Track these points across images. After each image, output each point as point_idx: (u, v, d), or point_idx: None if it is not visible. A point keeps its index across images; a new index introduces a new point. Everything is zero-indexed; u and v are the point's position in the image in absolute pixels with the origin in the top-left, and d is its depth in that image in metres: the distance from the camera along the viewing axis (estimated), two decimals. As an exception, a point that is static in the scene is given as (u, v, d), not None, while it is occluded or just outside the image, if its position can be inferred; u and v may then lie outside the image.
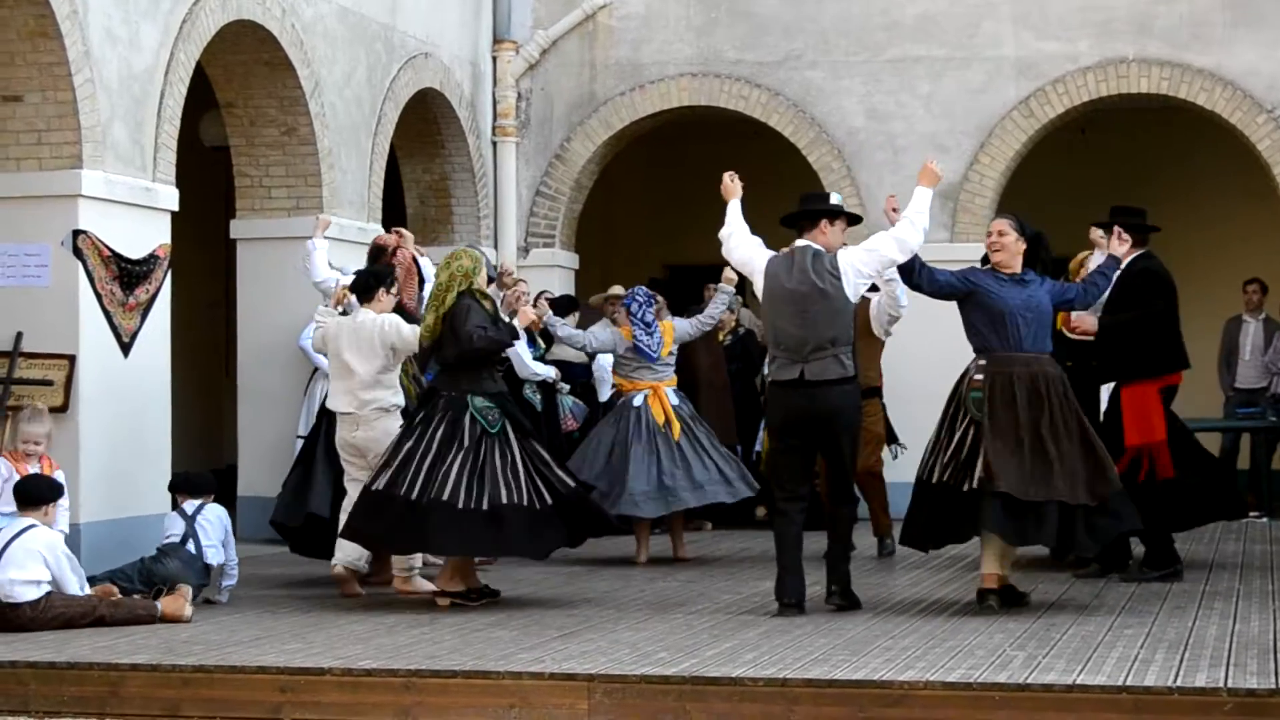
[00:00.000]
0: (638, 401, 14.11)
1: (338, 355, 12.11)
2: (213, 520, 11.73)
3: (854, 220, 11.50)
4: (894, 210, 11.27)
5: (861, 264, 11.01)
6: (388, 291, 12.20)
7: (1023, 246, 11.27)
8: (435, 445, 11.38)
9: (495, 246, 18.86)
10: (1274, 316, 18.77)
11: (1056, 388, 10.99)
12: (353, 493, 12.06)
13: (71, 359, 12.78)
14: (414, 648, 9.76)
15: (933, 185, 11.21)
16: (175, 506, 12.00)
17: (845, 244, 11.30)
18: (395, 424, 12.01)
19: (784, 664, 9.04)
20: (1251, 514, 17.82)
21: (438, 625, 10.65)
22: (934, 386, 12.33)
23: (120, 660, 9.47)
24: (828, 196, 11.59)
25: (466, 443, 11.39)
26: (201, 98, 15.48)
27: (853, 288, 10.97)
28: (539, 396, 15.66)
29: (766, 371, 16.23)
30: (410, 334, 11.92)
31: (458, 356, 11.54)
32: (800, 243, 11.13)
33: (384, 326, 12.00)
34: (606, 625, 10.56)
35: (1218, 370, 18.97)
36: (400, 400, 12.21)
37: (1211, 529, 16.35)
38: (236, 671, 9.26)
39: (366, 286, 12.19)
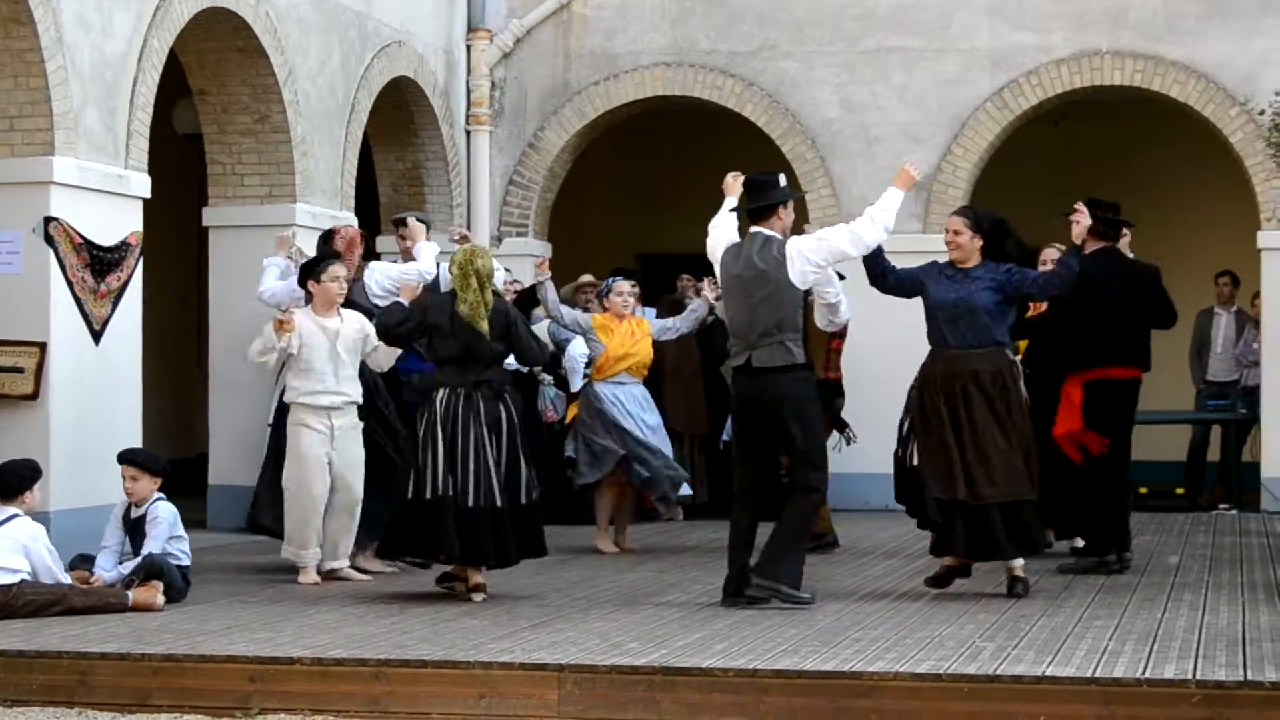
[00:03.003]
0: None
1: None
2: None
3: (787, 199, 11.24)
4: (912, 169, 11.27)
5: (810, 252, 10.88)
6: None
7: (979, 243, 11.41)
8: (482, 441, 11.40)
9: (468, 235, 18.84)
10: (1245, 309, 18.82)
11: (983, 384, 11.14)
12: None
13: (42, 346, 12.75)
14: (384, 637, 9.75)
15: (906, 188, 11.10)
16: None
17: (803, 229, 11.26)
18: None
19: (754, 654, 9.05)
20: (1221, 506, 17.90)
21: (407, 615, 10.64)
22: (892, 374, 12.51)
23: (90, 649, 9.44)
24: (775, 177, 11.26)
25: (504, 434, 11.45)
26: (174, 85, 15.45)
27: (799, 274, 10.85)
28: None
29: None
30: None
31: (500, 359, 11.61)
32: (753, 229, 11.08)
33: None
34: (577, 615, 10.55)
35: (1189, 362, 19.02)
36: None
37: (1181, 521, 16.42)
38: (206, 661, 9.23)
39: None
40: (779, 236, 10.98)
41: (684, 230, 22.14)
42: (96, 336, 13.27)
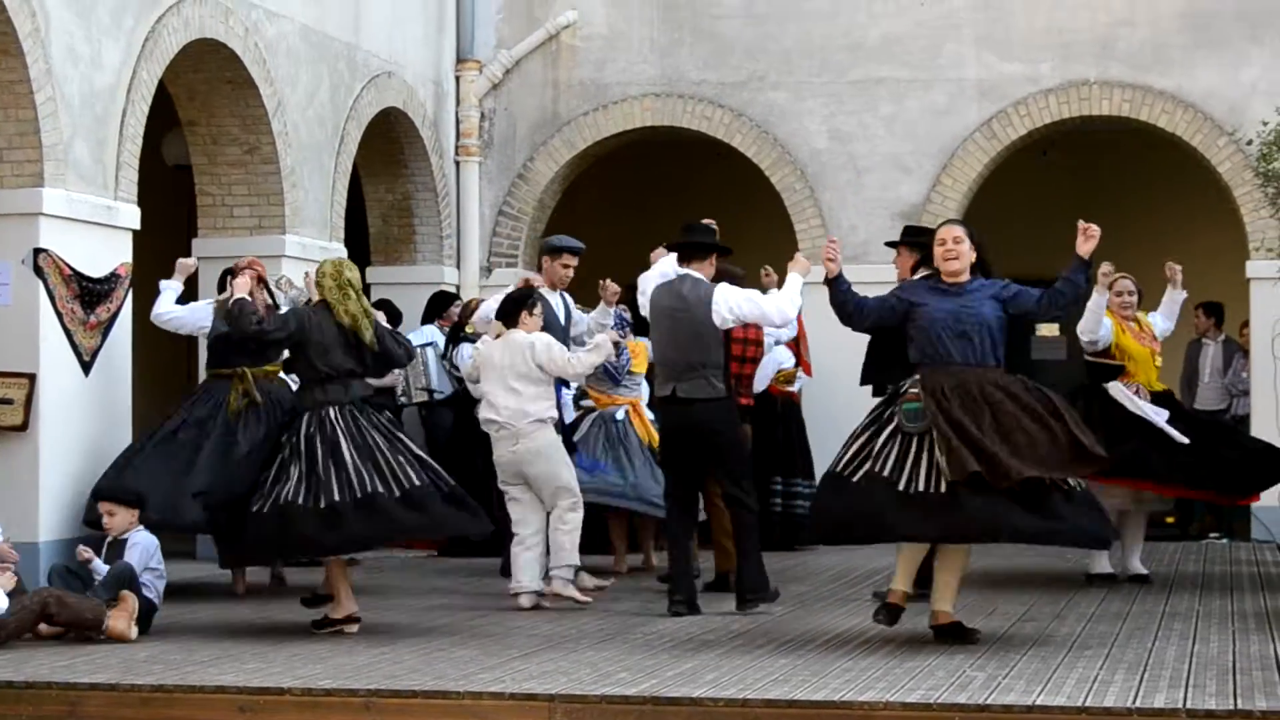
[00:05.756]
0: (619, 415, 14.46)
1: (490, 375, 12.50)
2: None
3: (725, 252, 12.32)
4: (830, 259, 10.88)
5: (735, 305, 11.83)
6: (529, 314, 12.57)
7: (974, 256, 10.64)
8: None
9: (458, 266, 18.87)
10: (1234, 338, 18.84)
11: (1005, 391, 10.33)
12: (515, 513, 12.48)
13: (32, 378, 12.74)
14: (374, 667, 9.75)
15: (803, 273, 11.90)
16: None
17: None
18: (552, 434, 12.48)
19: (745, 684, 9.04)
20: (1211, 535, 17.90)
21: (398, 644, 10.63)
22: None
23: (79, 680, 9.43)
24: (712, 228, 12.39)
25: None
26: (164, 116, 15.45)
27: (720, 319, 11.85)
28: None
29: None
30: (560, 354, 12.42)
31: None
32: (683, 270, 12.05)
33: (535, 346, 12.38)
34: (567, 645, 10.55)
35: (1179, 392, 19.02)
36: (555, 413, 12.57)
37: (1171, 550, 16.42)
38: (195, 691, 9.22)
39: (507, 312, 12.65)
40: (705, 280, 11.96)
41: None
42: (86, 368, 13.26)
